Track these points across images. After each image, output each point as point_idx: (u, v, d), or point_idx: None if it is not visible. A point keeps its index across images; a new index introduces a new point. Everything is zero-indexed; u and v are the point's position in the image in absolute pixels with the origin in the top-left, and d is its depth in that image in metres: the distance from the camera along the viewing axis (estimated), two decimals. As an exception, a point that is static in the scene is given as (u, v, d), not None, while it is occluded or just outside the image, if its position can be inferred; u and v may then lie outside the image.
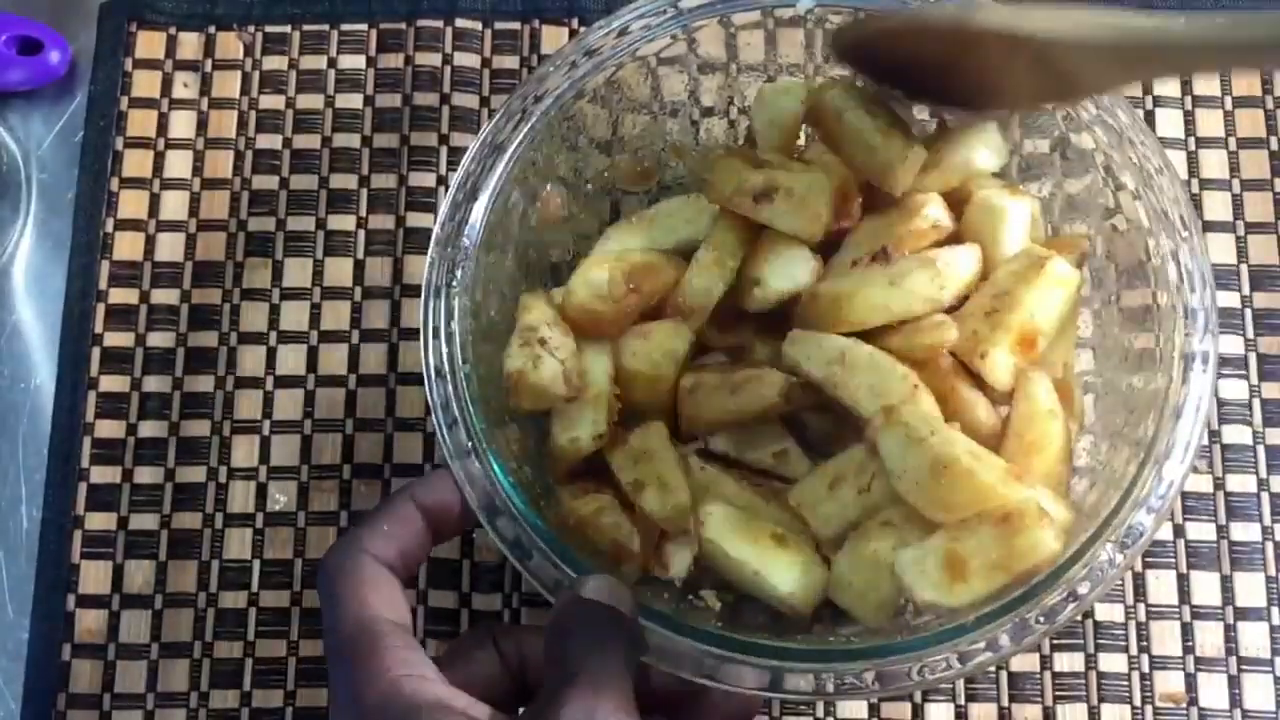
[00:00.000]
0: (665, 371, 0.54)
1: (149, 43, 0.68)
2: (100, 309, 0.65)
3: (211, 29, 0.68)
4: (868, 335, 0.52)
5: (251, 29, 0.68)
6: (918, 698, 0.58)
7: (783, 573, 0.50)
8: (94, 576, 0.61)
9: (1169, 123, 0.66)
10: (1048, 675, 0.59)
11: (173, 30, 0.68)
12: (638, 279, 0.54)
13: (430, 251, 0.52)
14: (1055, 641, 0.59)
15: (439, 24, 0.68)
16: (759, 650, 0.48)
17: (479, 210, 0.52)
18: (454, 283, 0.51)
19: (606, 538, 0.51)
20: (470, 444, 0.49)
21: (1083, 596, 0.47)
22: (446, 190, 0.54)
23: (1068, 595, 0.47)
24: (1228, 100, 0.66)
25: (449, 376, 0.50)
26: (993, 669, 0.59)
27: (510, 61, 0.68)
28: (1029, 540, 0.46)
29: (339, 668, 0.45)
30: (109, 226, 0.66)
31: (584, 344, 0.54)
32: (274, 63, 0.68)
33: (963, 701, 0.58)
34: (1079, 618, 0.58)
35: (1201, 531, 0.60)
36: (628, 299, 0.54)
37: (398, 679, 0.44)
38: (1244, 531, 0.60)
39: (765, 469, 0.55)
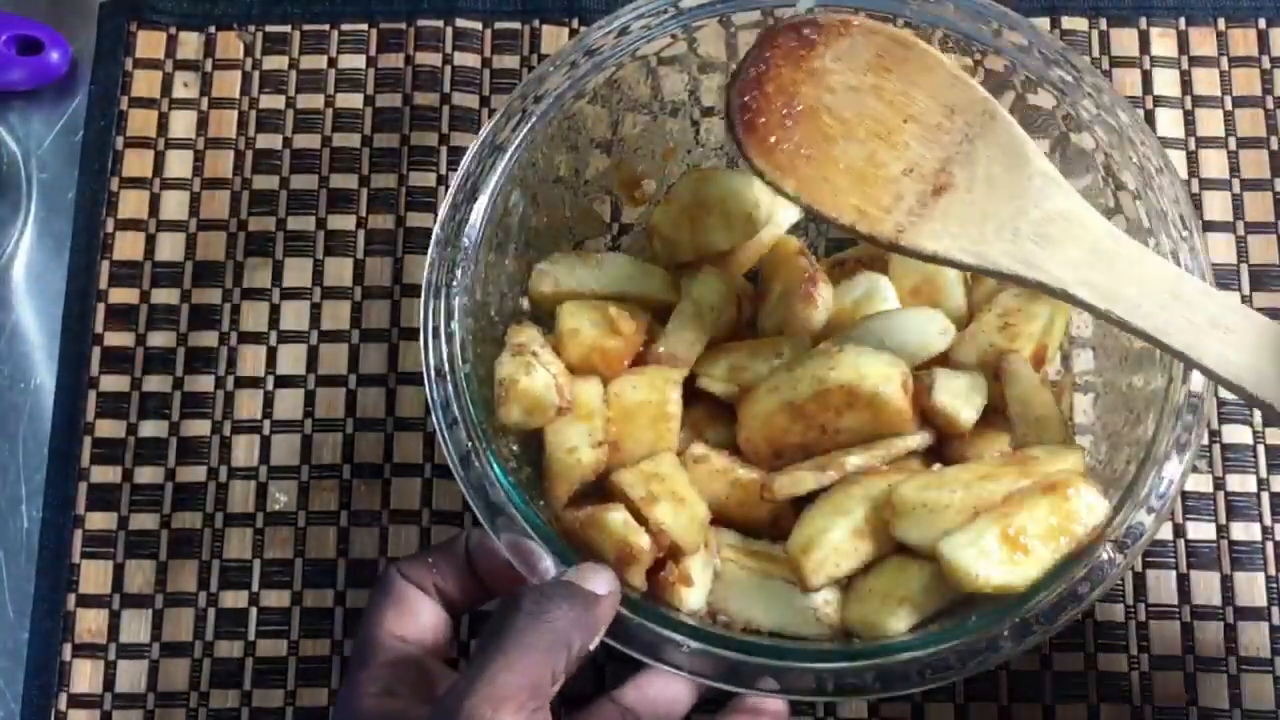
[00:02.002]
0: (670, 396, 0.53)
1: (149, 43, 0.68)
2: (100, 309, 0.65)
3: (211, 29, 0.68)
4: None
5: (251, 29, 0.68)
6: (918, 698, 0.58)
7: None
8: (94, 576, 0.61)
9: (1169, 123, 0.66)
10: (1048, 675, 0.59)
11: (173, 30, 0.68)
12: (622, 323, 0.54)
13: (430, 251, 0.52)
14: (1055, 641, 0.59)
15: (439, 24, 0.68)
16: (759, 650, 0.48)
17: (479, 210, 0.52)
18: (454, 283, 0.51)
19: (614, 537, 0.50)
20: (470, 444, 0.49)
21: (1083, 596, 0.47)
22: (446, 190, 0.54)
23: (1068, 595, 0.47)
24: (1228, 100, 0.66)
25: (449, 376, 0.50)
26: (993, 669, 0.59)
27: (510, 61, 0.68)
28: (1081, 502, 0.48)
29: (344, 678, 0.50)
30: (109, 226, 0.66)
31: (574, 377, 0.54)
32: (274, 63, 0.68)
33: (963, 701, 0.58)
34: (1079, 618, 0.57)
35: (1201, 531, 0.60)
36: (631, 338, 0.54)
37: (365, 696, 0.47)
38: (1244, 531, 0.60)
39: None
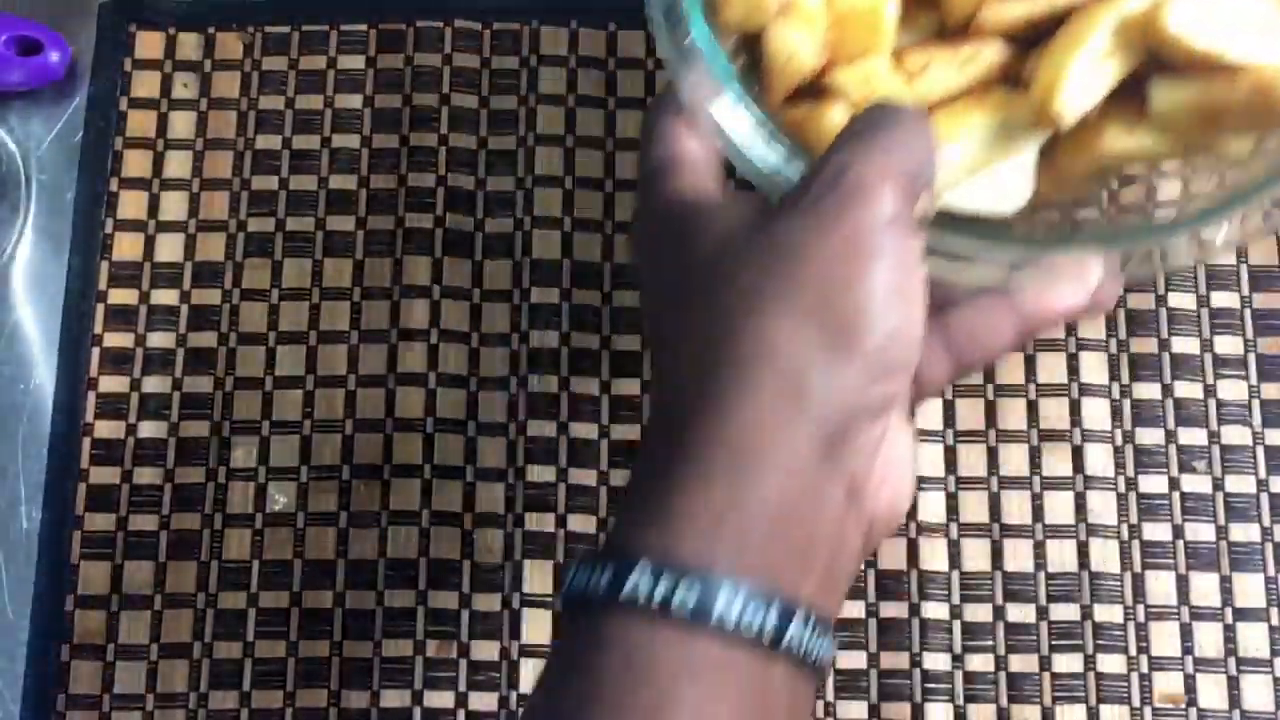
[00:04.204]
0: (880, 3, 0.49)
1: (149, 43, 0.68)
2: (100, 309, 0.65)
3: (211, 29, 0.68)
4: None
5: (251, 29, 0.68)
6: (917, 698, 0.58)
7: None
8: (94, 577, 0.61)
9: (1169, 123, 0.66)
10: (1047, 676, 0.59)
11: (173, 30, 0.68)
12: None
13: None
14: (1054, 642, 0.59)
15: (439, 24, 0.68)
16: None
17: None
18: None
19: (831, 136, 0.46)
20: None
21: None
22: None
23: None
24: (1228, 100, 0.66)
25: None
26: (991, 669, 0.59)
27: (510, 62, 0.68)
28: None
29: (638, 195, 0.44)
30: (109, 227, 0.66)
31: None
32: (274, 63, 0.68)
33: (961, 702, 0.59)
34: (1078, 618, 0.58)
35: (1201, 532, 0.60)
36: None
37: (682, 188, 0.43)
38: (1244, 532, 0.60)
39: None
